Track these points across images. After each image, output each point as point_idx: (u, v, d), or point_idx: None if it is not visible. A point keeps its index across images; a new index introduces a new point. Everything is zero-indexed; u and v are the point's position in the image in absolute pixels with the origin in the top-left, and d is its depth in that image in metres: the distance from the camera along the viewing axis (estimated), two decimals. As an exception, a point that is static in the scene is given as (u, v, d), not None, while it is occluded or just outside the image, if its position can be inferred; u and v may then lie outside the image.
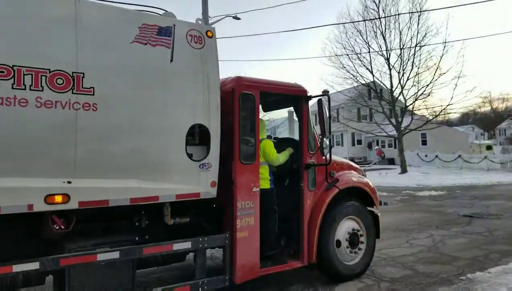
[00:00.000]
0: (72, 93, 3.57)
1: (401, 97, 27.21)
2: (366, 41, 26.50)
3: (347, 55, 26.91)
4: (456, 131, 46.81)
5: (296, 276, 5.76)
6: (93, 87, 3.67)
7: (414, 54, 26.04)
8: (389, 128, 28.57)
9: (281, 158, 5.28)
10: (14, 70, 3.34)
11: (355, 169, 6.32)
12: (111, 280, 3.92)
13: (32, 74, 3.40)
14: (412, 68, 26.21)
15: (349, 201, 5.76)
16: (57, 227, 3.64)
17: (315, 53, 46.45)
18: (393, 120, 27.11)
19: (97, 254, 3.75)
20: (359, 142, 42.55)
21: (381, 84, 28.06)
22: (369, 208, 5.98)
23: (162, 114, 4.03)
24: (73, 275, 3.70)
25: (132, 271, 4.04)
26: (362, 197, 6.00)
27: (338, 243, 5.55)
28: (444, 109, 26.34)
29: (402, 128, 26.99)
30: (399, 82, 26.76)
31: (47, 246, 3.86)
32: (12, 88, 3.33)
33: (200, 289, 4.29)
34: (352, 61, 27.05)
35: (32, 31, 3.48)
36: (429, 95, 26.26)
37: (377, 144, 39.49)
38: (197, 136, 4.34)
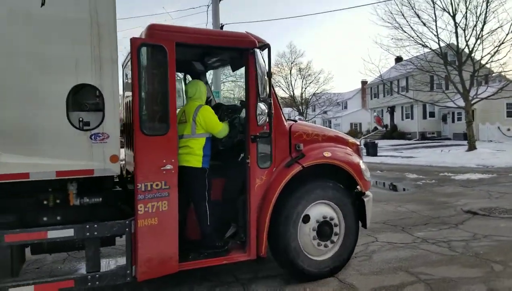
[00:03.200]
0: None
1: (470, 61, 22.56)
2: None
3: (400, 11, 22.80)
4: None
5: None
6: None
7: (488, 4, 21.17)
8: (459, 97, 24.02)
9: (227, 128, 4.40)
10: None
11: (342, 142, 5.08)
12: None
13: None
14: (484, 24, 21.45)
15: (322, 182, 4.65)
16: None
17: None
18: (460, 88, 22.66)
19: None
20: (432, 114, 37.05)
21: (446, 46, 23.55)
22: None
23: (29, 73, 3.36)
24: None
25: (11, 258, 3.65)
26: (349, 178, 4.83)
27: None
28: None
29: (470, 97, 22.52)
30: (466, 43, 22.13)
31: None
32: None
33: (89, 284, 3.62)
34: (407, 20, 22.92)
35: None
36: (506, 55, 21.42)
37: (453, 116, 34.08)
38: (87, 100, 3.65)
